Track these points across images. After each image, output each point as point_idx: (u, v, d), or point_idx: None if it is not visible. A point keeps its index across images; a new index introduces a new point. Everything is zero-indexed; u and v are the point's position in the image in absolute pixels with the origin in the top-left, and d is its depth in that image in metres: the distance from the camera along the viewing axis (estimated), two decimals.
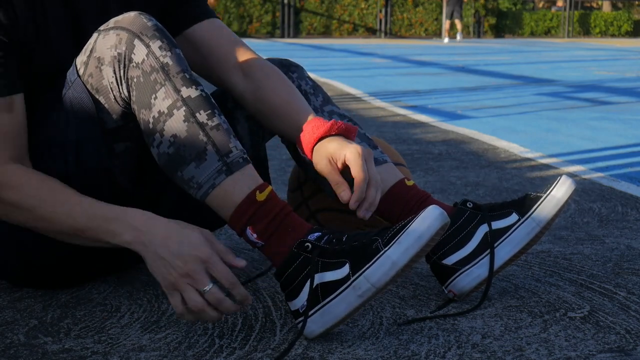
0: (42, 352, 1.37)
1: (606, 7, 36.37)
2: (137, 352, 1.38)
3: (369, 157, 1.51)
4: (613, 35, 31.70)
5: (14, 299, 1.64)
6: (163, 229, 1.40)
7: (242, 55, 1.72)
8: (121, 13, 1.54)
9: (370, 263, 1.36)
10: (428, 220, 1.36)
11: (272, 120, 1.67)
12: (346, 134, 1.56)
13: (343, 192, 1.49)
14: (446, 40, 24.13)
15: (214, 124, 1.46)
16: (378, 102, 6.17)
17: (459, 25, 24.51)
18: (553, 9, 35.89)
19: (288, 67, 1.81)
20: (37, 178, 1.49)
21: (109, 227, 1.43)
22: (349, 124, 1.57)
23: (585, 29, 31.71)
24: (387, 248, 1.36)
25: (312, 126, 1.57)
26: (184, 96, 1.46)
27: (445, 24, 24.47)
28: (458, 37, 24.34)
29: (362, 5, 28.93)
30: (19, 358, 1.35)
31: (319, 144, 1.56)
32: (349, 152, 1.50)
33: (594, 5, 36.75)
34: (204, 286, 1.37)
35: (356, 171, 1.48)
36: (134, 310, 1.58)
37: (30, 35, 1.54)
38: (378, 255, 1.36)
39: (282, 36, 27.52)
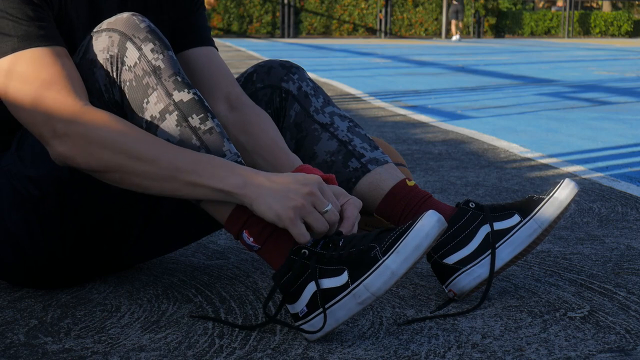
0: (42, 352, 1.37)
1: (606, 7, 36.38)
2: (137, 352, 1.38)
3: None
4: (613, 35, 31.70)
5: (14, 299, 1.64)
6: (268, 174, 1.42)
7: (232, 89, 1.74)
8: None
9: (370, 272, 1.36)
10: (426, 228, 1.35)
11: (253, 155, 1.66)
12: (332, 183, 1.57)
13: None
14: (455, 37, 24.43)
15: (206, 127, 1.46)
16: (378, 102, 6.17)
17: (457, 26, 24.79)
18: (553, 9, 35.91)
19: (289, 69, 1.80)
20: (128, 122, 1.45)
21: (215, 171, 1.41)
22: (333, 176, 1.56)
23: (585, 29, 31.72)
24: (385, 257, 1.36)
25: (308, 169, 1.56)
26: (176, 100, 1.46)
27: (452, 25, 24.85)
28: (455, 37, 24.61)
29: (362, 5, 28.94)
30: (19, 358, 1.35)
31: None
32: (352, 202, 1.50)
33: (594, 5, 36.76)
34: (325, 206, 1.40)
35: (350, 222, 1.49)
36: (134, 310, 1.58)
37: (57, 15, 1.54)
38: (377, 265, 1.36)
39: (282, 36, 27.53)
